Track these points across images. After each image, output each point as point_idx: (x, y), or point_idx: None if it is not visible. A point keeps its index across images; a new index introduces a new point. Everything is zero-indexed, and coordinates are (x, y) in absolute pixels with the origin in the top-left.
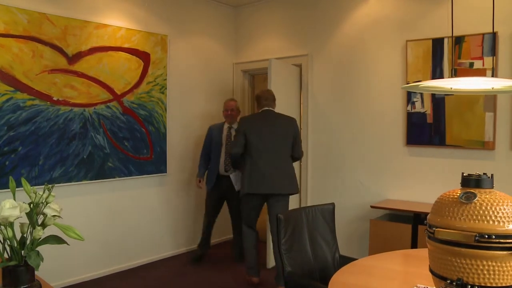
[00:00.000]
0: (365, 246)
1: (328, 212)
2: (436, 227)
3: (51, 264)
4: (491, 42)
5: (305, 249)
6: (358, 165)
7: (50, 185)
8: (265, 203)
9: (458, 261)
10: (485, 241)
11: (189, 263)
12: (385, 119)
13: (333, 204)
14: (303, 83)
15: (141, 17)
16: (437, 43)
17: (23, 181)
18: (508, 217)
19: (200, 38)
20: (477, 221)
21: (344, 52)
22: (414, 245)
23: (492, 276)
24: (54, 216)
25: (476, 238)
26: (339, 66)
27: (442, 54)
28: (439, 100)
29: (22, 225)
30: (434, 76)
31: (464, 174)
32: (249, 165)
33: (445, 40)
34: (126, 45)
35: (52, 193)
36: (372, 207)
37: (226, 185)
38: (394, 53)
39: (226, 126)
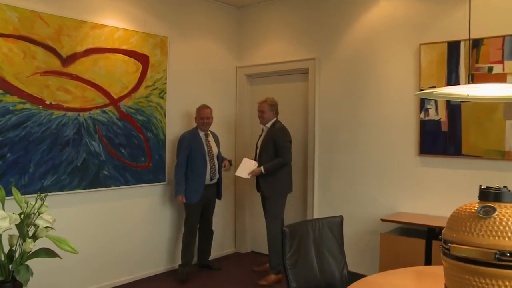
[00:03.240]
0: (375, 261)
1: (335, 225)
2: (452, 243)
3: (41, 280)
4: None
5: (311, 264)
6: (368, 176)
7: (43, 195)
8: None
9: (477, 280)
10: (507, 260)
11: (188, 277)
12: (396, 127)
13: (341, 216)
14: (309, 88)
15: (139, 18)
16: (453, 47)
17: (14, 190)
18: None
19: (202, 40)
20: (497, 238)
21: (354, 56)
22: (428, 261)
23: None
24: (46, 227)
25: (497, 256)
26: (348, 70)
27: (459, 58)
28: (454, 107)
29: (10, 237)
30: (450, 82)
31: (482, 187)
32: (289, 168)
33: (462, 43)
34: (123, 47)
35: (45, 203)
36: (382, 220)
37: (210, 193)
38: (406, 58)
39: (202, 133)
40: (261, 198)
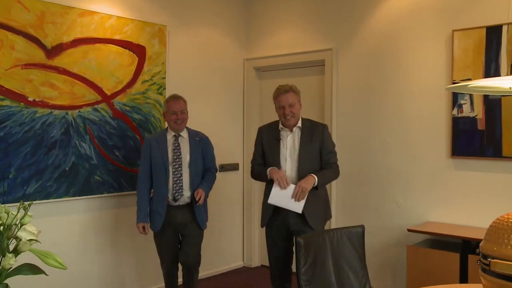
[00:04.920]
0: (401, 277)
1: (356, 236)
2: (492, 258)
3: None
4: None
5: (329, 280)
6: (392, 181)
7: (27, 203)
8: None
9: None
10: None
11: None
12: (425, 126)
13: (362, 226)
14: (326, 83)
15: (135, 4)
16: (493, 32)
17: None
18: None
19: (205, 29)
20: None
21: (376, 45)
22: (463, 278)
23: None
24: (30, 240)
25: None
26: (370, 62)
27: (499, 46)
28: (493, 102)
29: None
30: (488, 73)
31: None
32: None
33: (504, 28)
34: (117, 37)
35: (28, 213)
36: (409, 230)
37: (181, 219)
38: (436, 46)
39: (170, 135)
40: (295, 231)
